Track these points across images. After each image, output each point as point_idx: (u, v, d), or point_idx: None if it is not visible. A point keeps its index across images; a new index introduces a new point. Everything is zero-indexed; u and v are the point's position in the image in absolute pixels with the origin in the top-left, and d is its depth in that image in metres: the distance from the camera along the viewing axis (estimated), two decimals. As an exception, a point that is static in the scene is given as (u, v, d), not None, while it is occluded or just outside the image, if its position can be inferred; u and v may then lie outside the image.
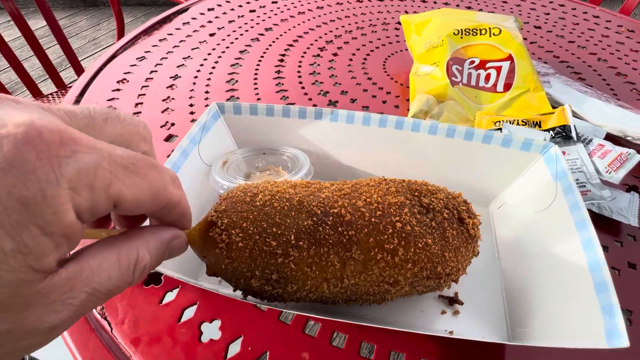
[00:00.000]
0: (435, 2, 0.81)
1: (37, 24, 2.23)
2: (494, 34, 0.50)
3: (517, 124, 0.43)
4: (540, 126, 0.43)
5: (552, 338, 0.25)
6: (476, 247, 0.28)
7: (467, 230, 0.27)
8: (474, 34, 0.50)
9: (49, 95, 1.07)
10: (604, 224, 0.38)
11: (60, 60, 2.01)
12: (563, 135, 0.41)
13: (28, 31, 0.96)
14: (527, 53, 0.49)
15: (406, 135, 0.36)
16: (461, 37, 0.50)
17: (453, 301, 0.30)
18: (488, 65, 0.49)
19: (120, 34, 1.15)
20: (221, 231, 0.23)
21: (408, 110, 0.49)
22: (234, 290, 0.25)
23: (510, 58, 0.49)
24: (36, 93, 1.02)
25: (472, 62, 0.49)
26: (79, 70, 1.09)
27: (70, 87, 1.08)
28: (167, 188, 0.16)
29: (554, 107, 0.49)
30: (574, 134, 0.41)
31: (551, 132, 0.42)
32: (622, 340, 0.21)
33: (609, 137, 0.45)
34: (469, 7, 0.80)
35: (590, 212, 0.38)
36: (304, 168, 0.34)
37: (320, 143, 0.38)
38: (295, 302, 0.27)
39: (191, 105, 0.52)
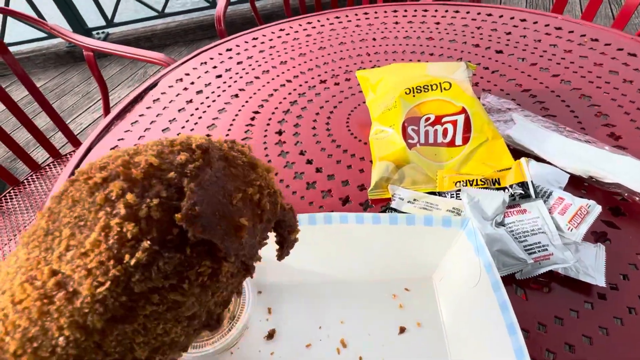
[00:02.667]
0: (394, 48, 0.82)
1: (21, 93, 2.30)
2: (444, 88, 0.50)
3: (476, 184, 0.43)
4: (499, 183, 0.43)
5: None
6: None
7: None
8: (426, 90, 0.51)
9: (46, 167, 1.10)
10: (574, 284, 0.37)
11: (49, 125, 2.06)
12: (522, 193, 0.41)
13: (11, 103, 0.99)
14: (479, 103, 0.50)
15: (336, 227, 0.37)
16: (413, 96, 0.51)
17: None
18: (444, 120, 0.49)
19: (105, 98, 1.17)
20: None
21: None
22: None
23: (463, 111, 0.49)
24: (33, 166, 1.06)
25: (428, 118, 0.50)
26: (69, 134, 1.12)
27: (65, 156, 1.12)
28: None
29: (514, 150, 0.49)
30: (532, 191, 0.41)
31: (510, 189, 0.42)
32: None
33: (573, 178, 0.45)
34: (429, 38, 0.80)
35: (557, 274, 0.38)
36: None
37: None
38: None
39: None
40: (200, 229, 0.17)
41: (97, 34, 2.59)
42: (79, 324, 0.16)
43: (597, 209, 0.39)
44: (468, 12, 0.87)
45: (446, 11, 0.89)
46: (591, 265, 0.37)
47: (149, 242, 0.17)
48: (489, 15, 0.85)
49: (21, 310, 0.16)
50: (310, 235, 0.38)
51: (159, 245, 0.17)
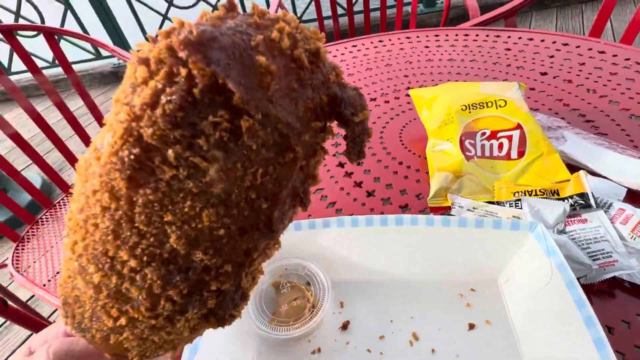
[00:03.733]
0: (440, 74, 0.86)
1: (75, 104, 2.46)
2: (500, 105, 0.53)
3: (536, 194, 0.46)
4: (558, 194, 0.45)
5: None
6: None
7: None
8: (481, 107, 0.54)
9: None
10: (639, 291, 0.39)
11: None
12: (582, 203, 0.43)
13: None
14: (535, 120, 0.52)
15: (407, 230, 0.40)
16: (469, 112, 0.54)
17: None
18: (499, 135, 0.52)
19: None
20: None
21: (429, 184, 0.53)
22: None
23: (519, 127, 0.52)
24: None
25: (484, 133, 0.53)
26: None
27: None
28: None
29: (569, 165, 0.51)
30: (592, 202, 0.43)
31: (570, 200, 0.44)
32: None
33: (630, 193, 0.47)
34: (473, 60, 0.84)
35: (622, 280, 0.39)
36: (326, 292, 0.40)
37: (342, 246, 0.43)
38: None
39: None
40: (201, 56, 0.14)
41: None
42: (106, 184, 0.16)
43: (659, 219, 0.40)
44: (509, 37, 0.91)
45: (487, 35, 0.93)
46: (656, 273, 0.38)
47: (154, 80, 0.15)
48: (530, 39, 0.89)
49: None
50: (379, 237, 0.41)
51: (164, 80, 0.15)
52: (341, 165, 0.62)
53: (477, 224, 0.39)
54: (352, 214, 0.52)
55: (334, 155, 0.64)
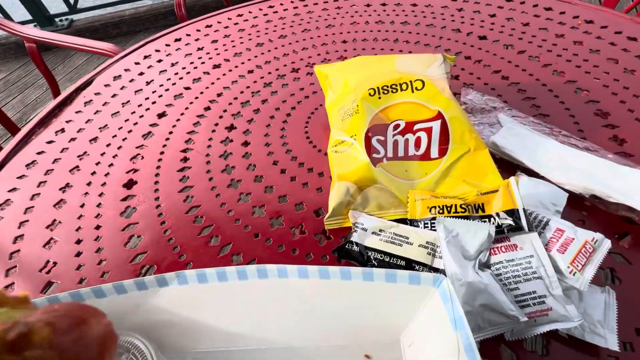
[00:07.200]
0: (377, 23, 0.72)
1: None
2: (416, 88, 0.41)
3: (455, 210, 0.35)
4: (483, 210, 0.35)
5: None
6: None
7: None
8: (394, 90, 0.41)
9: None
10: (579, 345, 0.29)
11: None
12: (511, 225, 0.33)
13: None
14: (458, 106, 0.41)
15: (276, 283, 0.29)
16: (379, 97, 0.41)
17: None
18: (416, 127, 0.40)
19: (55, 92, 1.05)
20: None
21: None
22: None
23: (439, 116, 0.40)
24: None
25: (397, 125, 0.41)
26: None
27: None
28: None
29: (501, 161, 0.41)
30: (524, 222, 0.33)
31: (497, 219, 0.34)
32: None
33: (572, 198, 0.37)
34: (405, 23, 0.70)
35: (559, 336, 0.29)
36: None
37: (181, 309, 0.30)
38: None
39: (78, 229, 0.43)
40: None
41: (60, 21, 2.40)
42: None
43: (605, 244, 0.31)
44: (448, -8, 0.77)
45: (423, -9, 0.79)
46: (599, 321, 0.29)
47: None
48: (471, -6, 0.76)
49: None
50: (243, 291, 0.29)
51: None
52: (228, 170, 0.48)
53: (366, 276, 0.27)
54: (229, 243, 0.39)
55: (221, 156, 0.50)
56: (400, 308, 0.29)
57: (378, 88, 0.42)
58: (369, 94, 0.41)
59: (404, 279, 0.27)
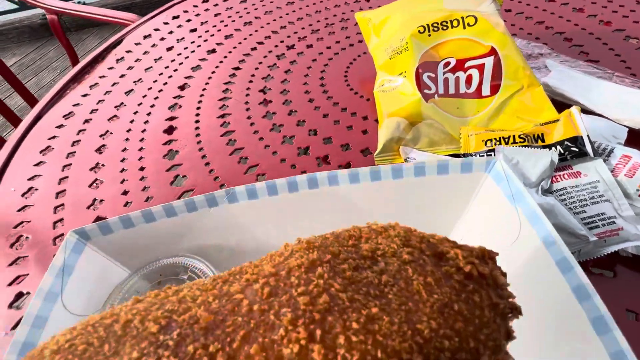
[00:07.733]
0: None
1: None
2: (468, 24, 0.40)
3: (514, 141, 0.34)
4: (543, 140, 0.34)
5: None
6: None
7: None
8: (444, 27, 0.40)
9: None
10: (647, 266, 0.29)
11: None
12: (575, 151, 0.32)
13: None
14: (513, 42, 0.40)
15: (325, 191, 0.28)
16: (429, 35, 0.40)
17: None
18: (467, 64, 0.39)
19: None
20: None
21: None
22: None
23: (493, 52, 0.39)
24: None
25: (447, 63, 0.40)
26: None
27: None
28: None
29: (555, 102, 0.40)
30: (588, 148, 0.32)
31: (558, 147, 0.33)
32: None
33: (633, 134, 0.36)
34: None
35: (624, 258, 0.29)
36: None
37: (229, 231, 0.30)
38: None
39: (122, 170, 0.43)
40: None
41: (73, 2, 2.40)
42: None
43: (676, 168, 0.30)
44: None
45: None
46: (672, 242, 0.28)
47: None
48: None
49: None
50: (292, 206, 0.29)
51: None
52: (269, 115, 0.47)
53: (417, 171, 0.27)
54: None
55: (260, 103, 0.50)
56: (451, 203, 0.28)
57: (428, 25, 0.41)
58: (419, 31, 0.40)
59: (456, 167, 0.26)
